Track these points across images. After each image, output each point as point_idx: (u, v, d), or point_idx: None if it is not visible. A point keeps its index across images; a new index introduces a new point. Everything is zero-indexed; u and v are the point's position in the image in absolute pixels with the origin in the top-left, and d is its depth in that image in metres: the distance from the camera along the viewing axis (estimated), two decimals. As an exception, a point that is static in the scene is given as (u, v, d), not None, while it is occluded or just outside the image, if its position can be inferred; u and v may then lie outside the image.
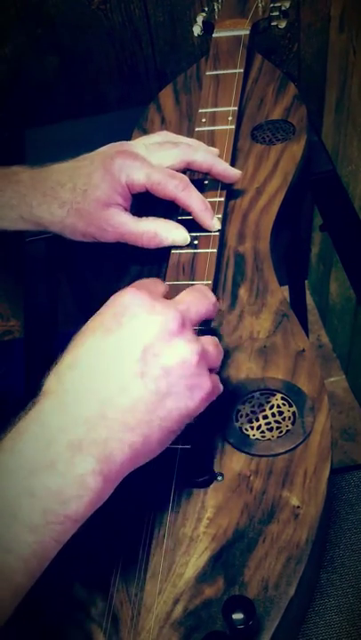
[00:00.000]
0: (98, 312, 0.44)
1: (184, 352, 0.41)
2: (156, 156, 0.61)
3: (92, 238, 0.61)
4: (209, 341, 0.45)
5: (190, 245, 0.61)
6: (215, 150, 0.65)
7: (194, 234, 0.61)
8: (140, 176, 0.58)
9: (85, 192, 0.59)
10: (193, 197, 0.60)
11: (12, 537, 0.35)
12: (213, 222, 0.61)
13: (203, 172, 0.63)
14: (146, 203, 0.61)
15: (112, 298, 0.44)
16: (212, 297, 0.47)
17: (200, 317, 0.46)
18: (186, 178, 0.60)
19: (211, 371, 0.44)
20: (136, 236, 0.60)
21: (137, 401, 0.40)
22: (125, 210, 0.60)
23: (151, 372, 0.40)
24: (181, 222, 0.61)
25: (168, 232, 0.60)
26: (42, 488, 0.36)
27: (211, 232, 0.61)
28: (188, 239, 0.61)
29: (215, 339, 0.46)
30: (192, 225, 0.61)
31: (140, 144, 0.62)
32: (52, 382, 0.41)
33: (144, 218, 0.60)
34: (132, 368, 0.40)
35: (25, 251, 0.76)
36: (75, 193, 0.59)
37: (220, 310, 0.56)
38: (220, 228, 0.61)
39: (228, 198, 0.65)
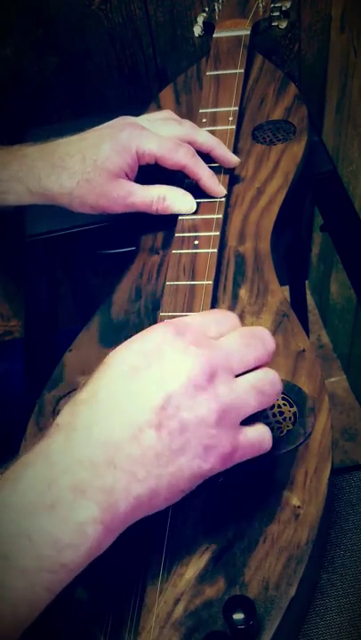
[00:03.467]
0: (130, 340, 0.41)
1: (205, 410, 0.38)
2: (159, 130, 0.61)
3: (100, 210, 0.61)
4: (246, 389, 0.40)
5: (191, 245, 0.61)
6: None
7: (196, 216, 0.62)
8: (151, 145, 0.59)
9: (95, 162, 0.59)
10: (200, 165, 0.61)
11: (2, 579, 0.33)
12: (220, 189, 0.62)
13: (202, 152, 0.64)
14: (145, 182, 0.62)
15: (147, 330, 0.41)
16: (270, 345, 0.42)
17: (244, 367, 0.41)
18: (192, 147, 0.61)
19: (248, 421, 0.40)
20: (146, 203, 0.61)
21: (148, 452, 0.37)
22: (132, 180, 0.61)
23: (168, 425, 0.37)
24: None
25: (176, 197, 0.62)
26: (39, 531, 0.34)
27: (217, 198, 0.63)
28: (195, 206, 0.62)
29: (267, 375, 0.41)
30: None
31: (143, 119, 0.63)
32: (66, 415, 0.38)
33: (151, 185, 0.61)
34: (149, 417, 0.37)
35: (25, 251, 0.76)
36: (84, 164, 0.59)
37: (220, 310, 0.56)
38: (225, 193, 0.63)
39: (228, 198, 0.65)
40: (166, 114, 0.66)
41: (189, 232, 0.62)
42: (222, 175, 0.65)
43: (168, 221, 0.64)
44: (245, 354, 0.41)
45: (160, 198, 0.61)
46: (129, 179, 0.61)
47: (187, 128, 0.63)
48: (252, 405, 0.40)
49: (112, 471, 0.36)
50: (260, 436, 0.41)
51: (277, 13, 0.81)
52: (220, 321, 0.43)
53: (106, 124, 0.63)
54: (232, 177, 0.67)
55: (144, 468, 0.37)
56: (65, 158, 0.60)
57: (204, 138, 0.63)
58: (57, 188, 0.61)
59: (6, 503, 0.35)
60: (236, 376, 0.40)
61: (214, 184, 0.63)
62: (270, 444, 0.42)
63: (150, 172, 0.62)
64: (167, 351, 0.39)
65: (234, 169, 0.68)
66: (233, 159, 0.65)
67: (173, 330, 0.40)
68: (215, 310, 0.45)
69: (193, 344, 0.39)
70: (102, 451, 0.37)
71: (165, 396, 0.38)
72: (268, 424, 0.48)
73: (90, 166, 0.59)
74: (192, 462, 0.38)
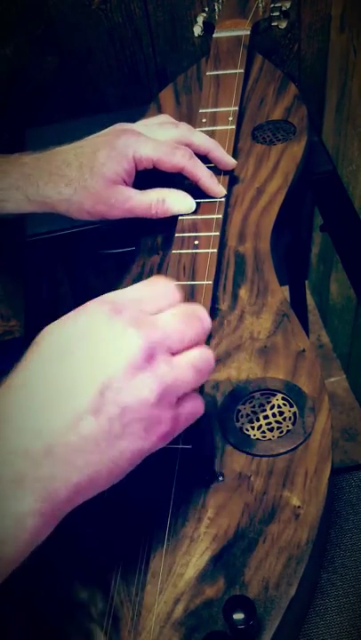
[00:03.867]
0: (61, 320, 0.39)
1: (145, 391, 0.37)
2: (156, 134, 0.62)
3: (99, 216, 0.62)
4: (185, 367, 0.40)
5: (191, 246, 0.61)
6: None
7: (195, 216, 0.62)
8: (147, 150, 0.59)
9: (92, 169, 0.59)
10: (199, 166, 0.61)
11: None
12: (220, 189, 0.63)
13: (199, 154, 0.64)
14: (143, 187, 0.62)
15: (80, 308, 0.40)
16: (206, 324, 0.42)
17: (182, 346, 0.40)
18: (189, 149, 0.61)
19: (182, 398, 0.40)
20: (144, 207, 0.61)
21: (87, 440, 0.36)
22: (129, 186, 0.61)
23: (106, 411, 0.36)
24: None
25: (175, 198, 0.62)
26: None
27: (217, 199, 0.63)
28: (195, 206, 0.62)
29: (202, 354, 0.41)
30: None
31: (139, 125, 0.64)
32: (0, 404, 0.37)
33: (149, 190, 0.61)
34: (87, 403, 0.36)
35: (25, 251, 0.76)
36: (81, 171, 0.60)
37: (220, 310, 0.56)
38: (225, 193, 0.63)
39: (228, 198, 0.65)
40: (163, 118, 0.66)
41: (189, 232, 0.62)
42: (222, 175, 0.65)
43: (168, 222, 0.64)
44: (184, 333, 0.40)
45: (159, 201, 0.61)
46: (127, 184, 0.61)
47: (183, 130, 0.63)
48: (190, 383, 0.40)
49: (50, 460, 0.35)
50: (194, 404, 0.41)
51: (277, 13, 0.81)
52: (157, 295, 0.41)
53: (102, 131, 0.63)
54: (232, 177, 0.67)
55: (83, 456, 0.36)
56: (62, 166, 0.61)
57: (201, 140, 0.64)
58: (55, 196, 0.61)
59: None
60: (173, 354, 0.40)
61: (214, 184, 0.63)
62: (203, 408, 0.42)
63: (148, 177, 0.62)
64: (103, 332, 0.38)
65: (234, 169, 0.68)
66: (230, 161, 0.65)
67: (109, 308, 0.39)
68: (154, 281, 0.43)
69: (130, 324, 0.38)
70: (39, 440, 0.35)
71: (104, 380, 0.36)
72: (268, 424, 0.48)
73: (87, 173, 0.60)
74: (133, 444, 0.38)
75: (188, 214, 0.63)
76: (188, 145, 0.63)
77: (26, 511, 0.34)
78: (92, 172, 0.59)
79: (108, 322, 0.38)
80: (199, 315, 0.42)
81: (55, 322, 0.39)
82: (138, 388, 0.37)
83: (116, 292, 0.41)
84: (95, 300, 0.40)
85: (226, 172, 0.66)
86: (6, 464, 0.35)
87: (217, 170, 0.65)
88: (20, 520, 0.34)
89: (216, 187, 0.63)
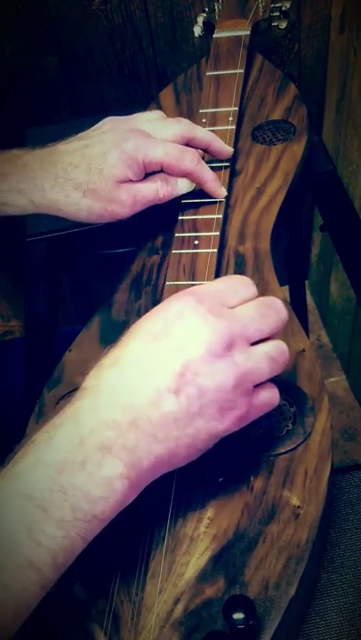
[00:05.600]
0: (152, 310, 0.43)
1: (222, 376, 0.40)
2: (161, 131, 0.61)
3: (108, 217, 0.61)
4: (261, 357, 0.42)
5: (191, 246, 0.61)
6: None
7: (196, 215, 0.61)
8: (157, 153, 0.59)
9: (102, 171, 0.59)
10: (205, 170, 0.62)
11: (42, 530, 0.36)
12: (222, 191, 0.64)
13: (200, 148, 0.64)
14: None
15: (168, 299, 0.43)
16: (283, 315, 0.45)
17: (260, 335, 0.43)
18: (196, 152, 0.62)
19: (259, 386, 0.43)
20: (152, 194, 0.61)
21: (167, 416, 0.40)
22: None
23: (186, 391, 0.40)
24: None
25: (174, 181, 0.62)
26: (72, 486, 0.37)
27: (218, 200, 0.63)
28: (193, 185, 0.63)
29: (278, 346, 0.43)
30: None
31: (142, 120, 0.63)
32: (92, 379, 0.41)
33: (148, 177, 0.61)
34: (169, 383, 0.40)
35: (25, 251, 0.76)
36: (90, 173, 0.59)
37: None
38: (225, 194, 0.64)
39: (228, 198, 0.65)
40: (158, 114, 0.65)
41: (189, 232, 0.62)
42: (222, 176, 0.65)
43: (168, 221, 0.64)
44: (262, 323, 0.43)
45: (163, 184, 0.61)
46: (133, 183, 0.61)
47: (186, 125, 0.63)
48: (266, 372, 0.43)
49: (134, 431, 0.39)
50: (270, 394, 0.44)
51: (277, 13, 0.81)
52: (237, 289, 0.45)
53: (106, 127, 0.62)
54: (232, 177, 0.67)
55: (163, 430, 0.40)
56: (68, 169, 0.60)
57: (202, 134, 0.64)
58: (62, 199, 0.60)
59: (42, 460, 0.38)
60: (252, 344, 0.43)
61: (217, 187, 0.63)
62: (278, 399, 0.44)
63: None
64: (187, 319, 0.41)
65: (234, 169, 0.68)
66: (229, 150, 0.66)
67: (193, 298, 0.42)
68: (233, 277, 0.47)
69: (212, 313, 0.41)
70: (125, 413, 0.39)
71: (185, 362, 0.40)
72: (267, 424, 0.48)
73: (95, 176, 0.59)
74: (209, 424, 0.41)
75: (188, 214, 0.63)
76: (191, 139, 0.63)
77: (114, 475, 0.38)
78: (102, 175, 0.59)
79: (193, 310, 0.42)
80: (276, 306, 0.45)
81: (149, 311, 0.43)
82: (216, 372, 0.40)
83: (200, 285, 0.45)
84: (182, 293, 0.44)
85: (226, 172, 0.66)
86: (97, 432, 0.39)
87: (217, 170, 0.65)
88: (110, 483, 0.38)
89: (219, 189, 0.63)
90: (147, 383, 0.40)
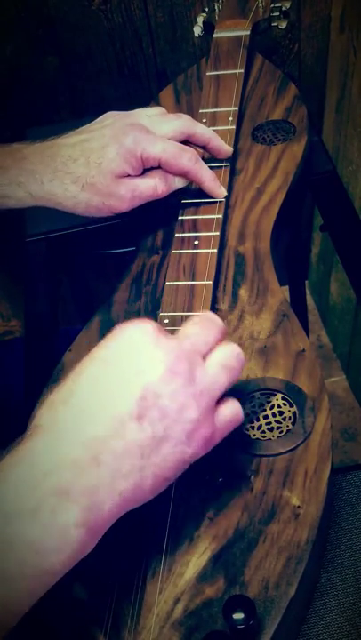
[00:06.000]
0: (102, 342, 0.41)
1: (184, 396, 0.39)
2: (160, 127, 0.61)
3: (107, 211, 0.61)
4: (217, 369, 0.41)
5: (191, 246, 0.61)
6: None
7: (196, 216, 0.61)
8: (156, 150, 0.59)
9: (100, 166, 0.59)
10: (203, 169, 0.62)
11: None
12: (221, 191, 0.64)
13: (199, 145, 0.64)
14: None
15: (116, 329, 0.42)
16: (220, 323, 0.44)
17: (209, 347, 0.42)
18: (195, 151, 0.61)
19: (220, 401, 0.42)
20: (151, 190, 0.61)
21: (131, 445, 0.37)
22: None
23: (149, 415, 0.38)
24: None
25: (173, 176, 0.62)
26: (21, 537, 0.34)
27: (218, 200, 0.63)
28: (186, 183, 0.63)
29: (229, 351, 0.43)
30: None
31: (142, 115, 0.63)
32: (45, 417, 0.38)
33: (147, 173, 0.61)
34: (130, 408, 0.38)
35: (25, 251, 0.76)
36: (89, 167, 0.59)
37: (220, 310, 0.56)
38: (226, 194, 0.64)
39: (228, 198, 0.65)
40: (159, 110, 0.66)
41: (189, 232, 0.62)
42: (222, 176, 0.65)
43: (168, 221, 0.64)
44: (206, 335, 0.43)
45: (161, 180, 0.61)
46: (131, 177, 0.61)
47: (186, 121, 0.63)
48: (224, 383, 0.42)
49: (96, 468, 0.36)
50: (233, 411, 0.42)
51: (277, 13, 0.81)
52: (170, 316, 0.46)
53: (106, 121, 0.62)
54: (232, 177, 0.67)
55: (128, 461, 0.37)
56: (68, 162, 0.60)
57: (202, 130, 0.64)
58: (61, 193, 0.60)
59: None
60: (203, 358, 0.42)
61: (216, 187, 0.63)
62: (242, 416, 0.43)
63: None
64: (139, 343, 0.40)
65: (234, 169, 0.68)
66: (228, 150, 0.66)
67: (138, 324, 0.41)
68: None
69: (163, 336, 0.40)
70: (86, 448, 0.36)
71: (144, 385, 0.38)
72: (268, 424, 0.48)
73: (94, 170, 0.59)
74: (175, 449, 0.39)
75: (188, 214, 0.63)
76: (190, 135, 0.63)
77: (70, 523, 0.35)
78: (100, 169, 0.59)
79: (142, 335, 0.40)
80: (210, 317, 0.45)
81: (99, 343, 0.41)
82: (177, 392, 0.39)
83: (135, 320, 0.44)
84: (120, 326, 0.42)
85: (226, 172, 0.66)
86: (54, 474, 0.35)
87: (217, 170, 0.65)
88: (65, 533, 0.34)
89: (218, 189, 0.63)
90: (106, 412, 0.37)
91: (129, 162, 0.59)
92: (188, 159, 0.60)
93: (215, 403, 0.41)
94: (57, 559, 0.34)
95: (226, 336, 0.44)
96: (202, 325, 0.43)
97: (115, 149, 0.59)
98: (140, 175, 0.61)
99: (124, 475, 0.37)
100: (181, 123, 0.62)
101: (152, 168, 0.61)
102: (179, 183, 0.62)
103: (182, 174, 0.61)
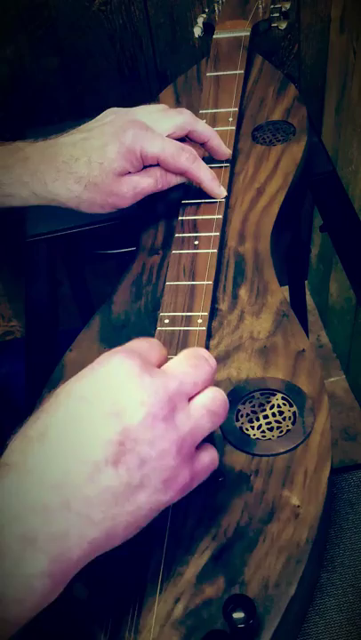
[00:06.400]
0: (81, 373, 0.39)
1: (165, 442, 0.37)
2: (160, 123, 0.62)
3: (109, 207, 0.62)
4: (201, 413, 0.39)
5: (191, 246, 0.61)
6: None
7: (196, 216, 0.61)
8: (154, 148, 0.59)
9: (102, 165, 0.59)
10: (202, 169, 0.62)
11: None
12: (221, 190, 0.64)
13: (198, 142, 0.64)
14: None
15: (99, 359, 0.39)
16: (213, 363, 0.41)
17: (197, 389, 0.40)
18: (194, 150, 0.62)
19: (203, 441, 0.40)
20: (151, 185, 0.61)
21: (105, 492, 0.35)
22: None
23: (126, 461, 0.35)
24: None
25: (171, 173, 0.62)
26: None
27: (217, 200, 0.64)
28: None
29: (215, 396, 0.40)
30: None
31: (143, 112, 0.63)
32: (16, 454, 0.36)
33: (147, 168, 0.61)
34: (106, 453, 0.35)
35: (25, 251, 0.76)
36: (90, 167, 0.59)
37: (220, 310, 0.57)
38: (226, 194, 0.64)
39: (228, 199, 0.65)
40: (163, 106, 0.66)
41: (189, 232, 0.62)
42: (222, 175, 0.65)
43: (169, 219, 0.64)
44: (195, 376, 0.40)
45: (161, 175, 0.62)
46: (132, 174, 0.61)
47: (186, 117, 0.63)
48: (207, 428, 0.39)
49: (66, 515, 0.34)
50: (210, 457, 0.41)
51: (277, 14, 0.81)
52: (158, 347, 0.41)
53: (107, 118, 0.63)
54: (232, 178, 0.67)
55: (100, 509, 0.35)
56: (70, 162, 0.60)
57: (203, 128, 0.64)
58: (64, 193, 0.61)
59: None
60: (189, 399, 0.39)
61: (216, 186, 0.63)
62: (217, 460, 0.41)
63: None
64: (120, 380, 0.37)
65: (234, 170, 0.68)
66: (226, 151, 0.66)
67: (122, 355, 0.38)
68: (143, 339, 0.42)
69: (145, 371, 0.37)
70: (56, 493, 0.34)
71: (123, 429, 0.36)
72: (268, 424, 0.48)
73: (96, 169, 0.59)
74: (151, 497, 0.37)
75: (188, 215, 0.63)
76: (191, 131, 0.63)
77: (35, 573, 0.33)
78: (102, 169, 0.59)
79: (125, 371, 0.37)
80: (203, 354, 0.41)
81: (75, 375, 0.39)
82: (158, 438, 0.36)
83: (124, 345, 0.41)
84: (110, 351, 0.39)
85: (226, 172, 0.66)
86: (20, 520, 0.33)
87: (217, 170, 0.65)
88: (29, 582, 0.33)
89: (218, 188, 0.63)
90: (81, 456, 0.35)
91: (129, 160, 0.59)
92: (187, 159, 0.61)
93: (195, 449, 0.39)
94: (18, 609, 0.33)
95: (215, 375, 0.42)
96: (192, 363, 0.40)
97: (115, 148, 0.59)
98: (140, 171, 0.61)
99: (95, 522, 0.35)
100: (182, 119, 0.63)
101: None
102: (179, 178, 0.63)
103: (180, 173, 0.62)
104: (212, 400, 0.40)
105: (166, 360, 0.41)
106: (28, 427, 0.37)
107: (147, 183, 0.61)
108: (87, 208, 0.62)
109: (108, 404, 0.36)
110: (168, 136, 0.61)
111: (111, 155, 0.59)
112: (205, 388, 0.40)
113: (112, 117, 0.62)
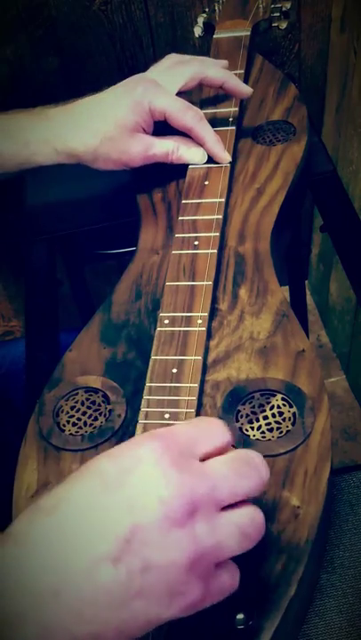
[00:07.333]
0: (115, 447, 0.36)
1: (177, 552, 0.32)
2: (171, 79, 0.65)
3: (122, 165, 0.65)
4: (231, 531, 0.34)
5: (191, 246, 0.61)
6: (224, 62, 0.69)
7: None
8: (161, 102, 0.62)
9: (115, 121, 0.62)
10: (207, 129, 0.64)
11: None
12: (225, 155, 0.65)
13: (214, 87, 0.67)
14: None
15: (134, 439, 0.36)
16: (265, 474, 0.36)
17: (234, 499, 0.35)
18: (200, 111, 0.64)
19: (221, 566, 0.35)
20: (163, 153, 0.64)
21: (100, 591, 0.31)
22: (149, 134, 0.64)
23: (128, 561, 0.32)
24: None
25: (187, 148, 0.65)
26: None
27: (222, 165, 0.66)
28: (205, 157, 0.66)
29: (253, 516, 0.35)
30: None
31: (155, 71, 0.67)
32: (24, 524, 0.33)
33: (167, 137, 0.65)
34: (109, 549, 0.32)
35: (25, 251, 0.76)
36: (106, 122, 0.63)
37: (220, 310, 0.56)
38: (230, 160, 0.66)
39: (228, 199, 0.65)
40: (172, 58, 0.68)
41: (189, 232, 0.62)
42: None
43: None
44: (236, 485, 0.35)
45: (175, 148, 0.64)
46: (146, 133, 0.64)
47: (195, 67, 0.66)
48: (233, 550, 0.34)
49: (55, 604, 0.31)
50: (232, 578, 0.35)
51: (277, 14, 0.81)
52: (210, 435, 0.37)
53: (121, 82, 0.65)
54: (231, 178, 0.67)
55: (92, 608, 0.31)
56: (87, 118, 0.64)
57: (215, 72, 0.66)
58: (81, 147, 0.64)
59: None
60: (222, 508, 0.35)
61: (220, 150, 0.65)
62: (238, 582, 0.36)
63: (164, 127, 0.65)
64: (146, 469, 0.33)
65: (234, 162, 0.68)
66: (246, 89, 0.68)
67: (158, 444, 0.34)
68: (204, 419, 0.40)
69: (176, 465, 0.33)
70: (50, 577, 0.31)
71: (132, 527, 0.32)
72: (267, 424, 0.48)
73: (111, 125, 0.62)
74: (150, 609, 0.32)
75: (188, 215, 0.63)
76: (202, 79, 0.65)
77: None
78: (116, 124, 0.62)
79: (154, 460, 0.34)
80: (256, 462, 0.36)
81: (108, 450, 0.36)
82: (170, 545, 0.32)
83: (169, 427, 0.37)
84: (149, 433, 0.36)
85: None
86: (10, 599, 0.31)
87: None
88: None
89: (222, 152, 0.65)
90: (84, 545, 0.32)
91: (139, 114, 0.62)
92: (192, 117, 0.63)
93: (214, 566, 0.34)
94: None
95: (263, 490, 0.36)
96: (237, 468, 0.35)
97: (126, 103, 0.62)
98: (159, 137, 0.64)
99: (84, 621, 0.31)
100: (191, 70, 0.65)
101: (170, 131, 0.64)
102: (194, 157, 0.65)
103: (186, 130, 0.64)
104: (249, 520, 0.35)
105: (225, 450, 0.36)
106: (44, 496, 0.34)
107: (160, 147, 0.64)
108: (102, 163, 0.65)
109: (126, 493, 0.33)
110: (182, 88, 0.65)
111: (123, 109, 0.62)
112: (246, 502, 0.35)
113: (125, 80, 0.65)
